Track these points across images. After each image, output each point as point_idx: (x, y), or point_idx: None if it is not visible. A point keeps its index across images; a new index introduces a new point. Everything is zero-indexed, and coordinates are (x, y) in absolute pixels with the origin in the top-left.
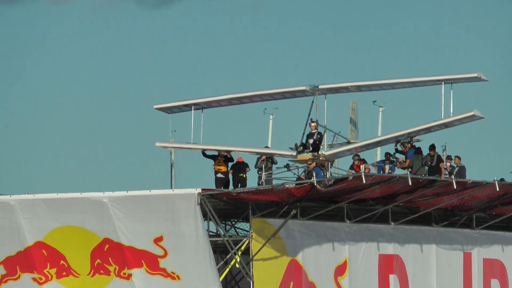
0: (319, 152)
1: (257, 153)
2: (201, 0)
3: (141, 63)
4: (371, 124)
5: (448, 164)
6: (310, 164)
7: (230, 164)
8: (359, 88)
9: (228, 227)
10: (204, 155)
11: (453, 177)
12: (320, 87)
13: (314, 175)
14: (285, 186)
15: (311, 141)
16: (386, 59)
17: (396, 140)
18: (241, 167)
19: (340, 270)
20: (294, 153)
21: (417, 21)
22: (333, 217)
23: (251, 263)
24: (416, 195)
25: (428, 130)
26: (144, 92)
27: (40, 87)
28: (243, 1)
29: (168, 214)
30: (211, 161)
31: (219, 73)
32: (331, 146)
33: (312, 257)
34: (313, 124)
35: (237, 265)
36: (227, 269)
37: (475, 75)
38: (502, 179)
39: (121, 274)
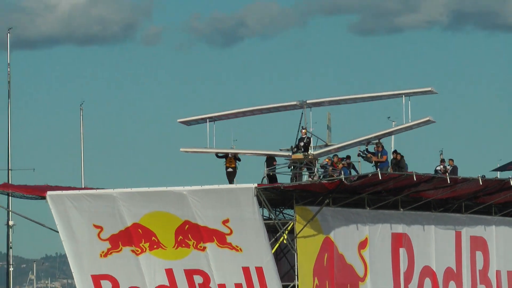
0: (309, 152)
1: (259, 154)
2: (256, 41)
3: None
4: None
5: (442, 166)
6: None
7: (238, 162)
8: (337, 102)
9: (277, 212)
10: (217, 156)
11: (447, 174)
12: (308, 101)
13: (342, 173)
14: (321, 181)
15: (302, 143)
16: (356, 80)
17: (367, 141)
18: (271, 161)
19: (362, 244)
20: (290, 153)
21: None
22: (356, 205)
23: (295, 240)
24: (419, 188)
25: (391, 133)
26: (171, 108)
27: (129, 110)
28: (287, 41)
29: (232, 203)
30: (223, 160)
31: (232, 93)
32: (314, 147)
33: (341, 235)
34: (303, 131)
35: (284, 241)
36: (277, 245)
37: (429, 89)
38: (483, 176)
39: (198, 247)
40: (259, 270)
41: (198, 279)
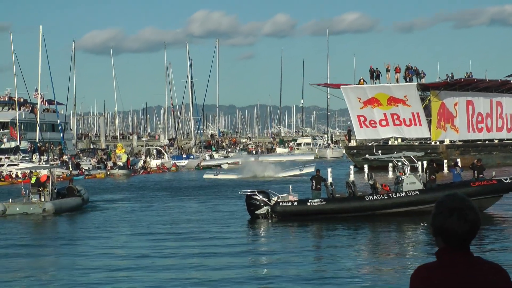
0: None
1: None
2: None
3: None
4: None
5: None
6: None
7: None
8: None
9: (424, 92)
10: None
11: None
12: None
13: (449, 78)
14: (440, 81)
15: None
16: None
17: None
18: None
19: (455, 104)
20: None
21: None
22: (453, 89)
23: (431, 102)
24: (478, 83)
25: None
26: None
27: None
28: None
29: (407, 89)
30: None
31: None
32: None
33: (448, 101)
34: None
35: (427, 103)
36: (424, 104)
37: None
38: (500, 79)
39: (395, 105)
40: (417, 113)
41: (395, 117)
